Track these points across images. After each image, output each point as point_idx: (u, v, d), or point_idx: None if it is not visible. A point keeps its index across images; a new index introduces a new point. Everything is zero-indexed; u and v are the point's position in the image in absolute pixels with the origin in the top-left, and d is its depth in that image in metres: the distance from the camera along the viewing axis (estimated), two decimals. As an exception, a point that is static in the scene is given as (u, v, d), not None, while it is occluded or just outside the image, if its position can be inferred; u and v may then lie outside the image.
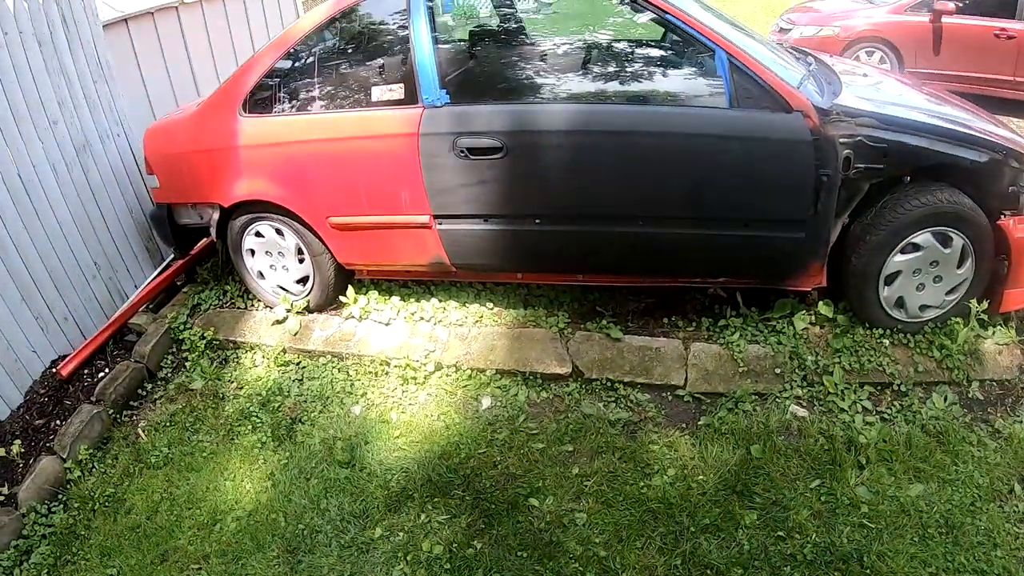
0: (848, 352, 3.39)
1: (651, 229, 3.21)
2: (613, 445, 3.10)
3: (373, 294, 3.73)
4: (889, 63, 8.12)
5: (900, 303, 3.43)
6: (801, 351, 3.37)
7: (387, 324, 3.56)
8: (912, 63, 8.09)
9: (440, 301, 3.71)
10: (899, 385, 3.32)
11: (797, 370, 3.34)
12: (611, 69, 3.25)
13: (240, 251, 3.71)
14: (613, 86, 3.24)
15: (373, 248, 3.46)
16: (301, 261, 3.61)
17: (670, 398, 3.30)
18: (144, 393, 3.71)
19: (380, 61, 3.33)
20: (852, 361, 3.36)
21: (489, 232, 3.28)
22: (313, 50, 3.43)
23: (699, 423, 3.17)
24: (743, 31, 3.71)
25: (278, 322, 3.66)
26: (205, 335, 3.75)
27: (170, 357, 3.84)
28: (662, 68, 3.27)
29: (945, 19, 7.89)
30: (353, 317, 3.62)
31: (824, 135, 3.04)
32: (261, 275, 3.75)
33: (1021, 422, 3.26)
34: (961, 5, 7.90)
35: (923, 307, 3.45)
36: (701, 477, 2.99)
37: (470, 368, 3.42)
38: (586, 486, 2.98)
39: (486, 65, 3.25)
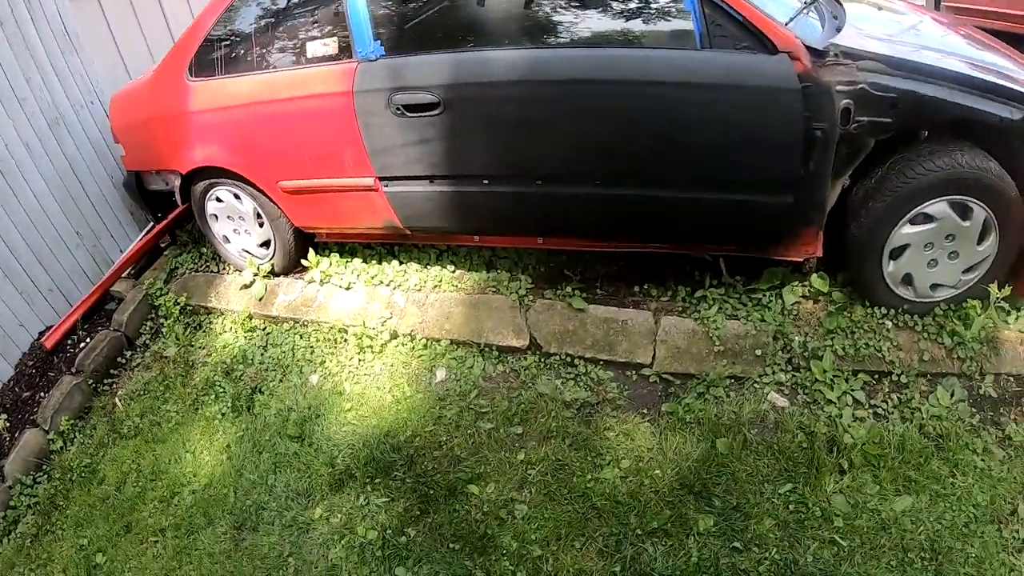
0: (843, 334, 2.68)
1: (611, 190, 2.56)
2: (565, 430, 2.57)
3: (335, 257, 3.25)
4: None
5: (907, 280, 2.68)
6: (787, 330, 2.69)
7: (347, 288, 3.09)
8: None
9: (401, 264, 3.19)
10: (899, 375, 2.62)
11: (781, 352, 2.67)
12: (560, 6, 2.55)
13: (204, 216, 3.30)
14: (562, 27, 2.53)
15: (325, 212, 2.97)
16: (261, 225, 3.17)
17: (635, 378, 2.71)
18: (124, 361, 3.39)
19: (316, 13, 2.75)
20: (846, 344, 2.65)
21: (436, 194, 2.71)
22: (252, 5, 2.88)
23: (662, 409, 2.59)
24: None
25: (245, 287, 3.25)
26: (179, 301, 3.38)
27: (148, 323, 3.50)
28: (624, 3, 2.53)
29: None
30: (315, 281, 3.16)
31: (817, 81, 2.30)
32: (226, 239, 3.33)
33: None
34: None
35: (935, 286, 2.69)
36: (657, 472, 2.43)
37: (425, 337, 2.91)
38: (531, 475, 2.48)
39: (425, 10, 2.62)
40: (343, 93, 2.59)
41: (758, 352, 2.66)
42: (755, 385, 2.61)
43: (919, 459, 2.40)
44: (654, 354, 2.70)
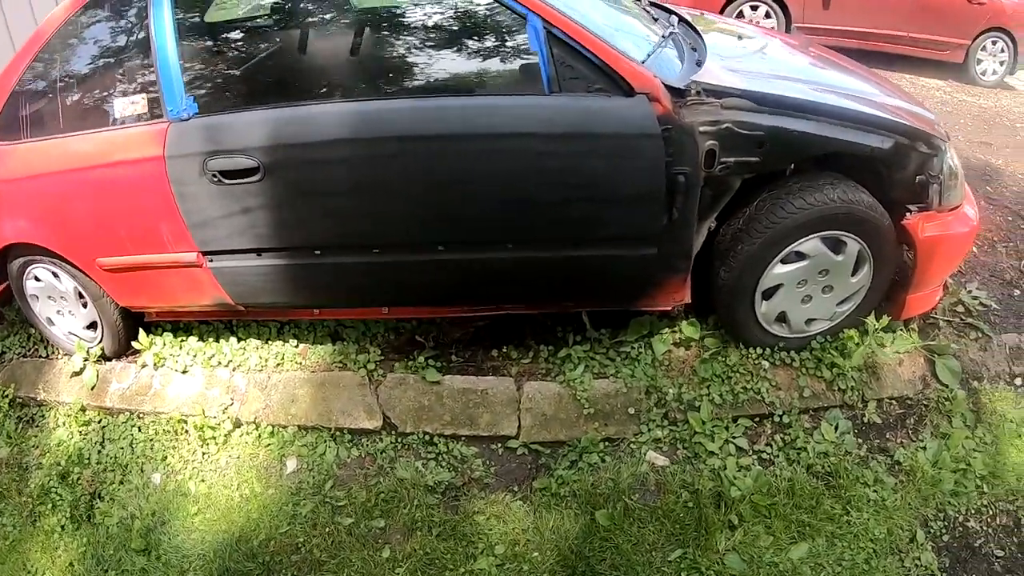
0: (719, 380, 2.55)
1: (457, 255, 2.33)
2: (431, 518, 2.39)
3: (168, 336, 2.95)
4: (775, 19, 6.90)
5: (782, 318, 2.57)
6: (660, 383, 2.55)
7: (184, 372, 2.79)
8: (800, 18, 6.92)
9: (240, 341, 2.87)
10: (781, 415, 2.52)
11: (655, 407, 2.50)
12: (392, 51, 2.32)
13: (24, 297, 2.96)
14: (394, 76, 2.28)
15: (149, 291, 2.65)
16: (85, 306, 2.85)
17: (501, 451, 2.53)
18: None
19: (125, 65, 2.45)
20: (723, 391, 2.52)
21: (266, 267, 2.42)
22: (60, 55, 2.54)
23: (533, 485, 2.47)
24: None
25: (76, 374, 2.95)
26: (7, 392, 2.99)
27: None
28: (463, 46, 2.32)
29: None
30: (148, 365, 2.91)
31: (678, 124, 2.13)
32: (51, 321, 2.99)
33: (924, 448, 2.50)
34: None
35: (809, 321, 2.60)
36: (536, 555, 2.24)
37: (271, 424, 2.61)
38: (398, 574, 2.33)
39: (243, 60, 2.36)
40: (154, 159, 2.29)
41: (631, 410, 2.48)
42: (631, 446, 2.44)
43: (811, 501, 2.32)
44: (519, 424, 2.48)
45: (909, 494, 2.38)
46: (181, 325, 2.94)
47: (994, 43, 7.27)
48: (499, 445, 2.51)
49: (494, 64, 2.22)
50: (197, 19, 2.30)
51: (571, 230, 2.28)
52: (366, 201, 2.24)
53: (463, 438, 2.52)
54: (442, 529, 2.33)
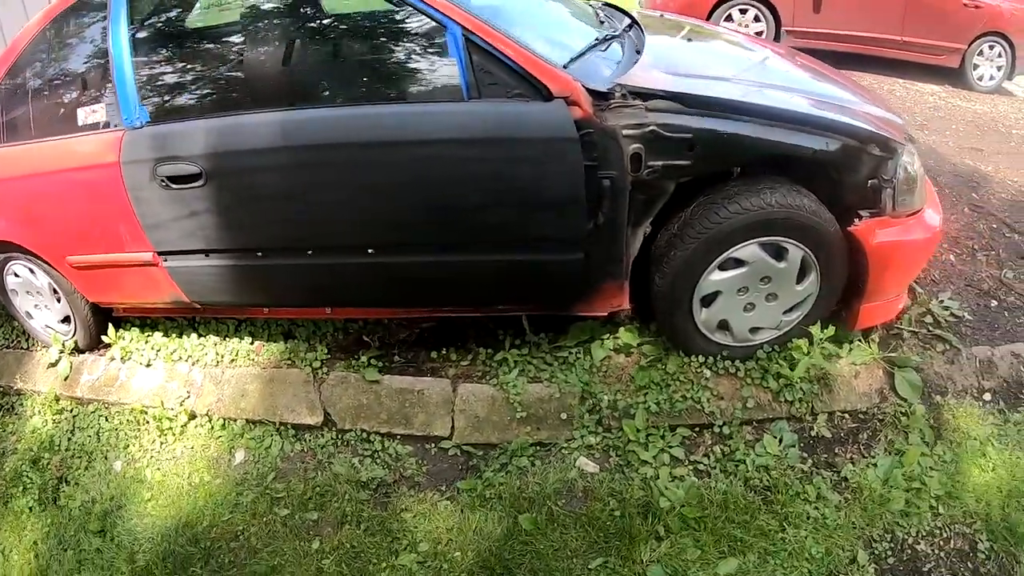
0: (657, 388, 2.55)
1: (387, 259, 2.41)
2: (360, 513, 2.47)
3: (136, 332, 3.11)
4: (764, 22, 6.78)
5: (724, 326, 2.54)
6: (595, 389, 2.57)
7: (148, 366, 2.95)
8: (790, 21, 6.78)
9: (200, 337, 3.01)
10: (721, 426, 2.50)
11: (589, 413, 2.53)
12: (320, 62, 2.43)
13: (5, 291, 3.17)
14: (322, 85, 2.38)
15: (113, 288, 2.82)
16: (59, 300, 3.05)
17: (434, 451, 2.60)
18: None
19: (87, 75, 2.62)
20: (661, 399, 2.52)
21: (214, 268, 2.54)
22: (33, 64, 2.75)
23: (458, 486, 2.54)
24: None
25: (52, 365, 3.15)
26: None
27: (-39, 407, 3.39)
28: (387, 54, 2.38)
29: None
30: (116, 359, 3.09)
31: (600, 127, 2.14)
32: (29, 315, 3.20)
33: (875, 464, 2.44)
34: None
35: (754, 329, 2.57)
36: (457, 555, 2.30)
37: (222, 417, 2.74)
38: (325, 565, 2.38)
39: (189, 71, 2.51)
40: (111, 164, 2.44)
41: (564, 415, 2.51)
42: (563, 451, 2.47)
43: (745, 516, 2.29)
44: (452, 425, 2.55)
45: (854, 512, 2.33)
46: (148, 321, 3.11)
47: (991, 48, 7.05)
48: (433, 445, 2.58)
49: (416, 72, 2.29)
50: (151, 34, 2.45)
51: (494, 234, 2.33)
52: (297, 206, 2.34)
53: (398, 437, 2.60)
54: (370, 524, 2.41)
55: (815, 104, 2.45)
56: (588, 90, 2.16)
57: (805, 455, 2.51)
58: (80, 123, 2.51)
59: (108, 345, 3.06)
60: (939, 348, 2.86)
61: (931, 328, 2.94)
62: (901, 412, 2.62)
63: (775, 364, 2.61)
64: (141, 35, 2.42)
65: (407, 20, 2.22)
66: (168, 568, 2.48)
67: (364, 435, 2.62)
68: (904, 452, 2.49)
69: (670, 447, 2.49)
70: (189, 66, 2.41)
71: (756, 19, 6.79)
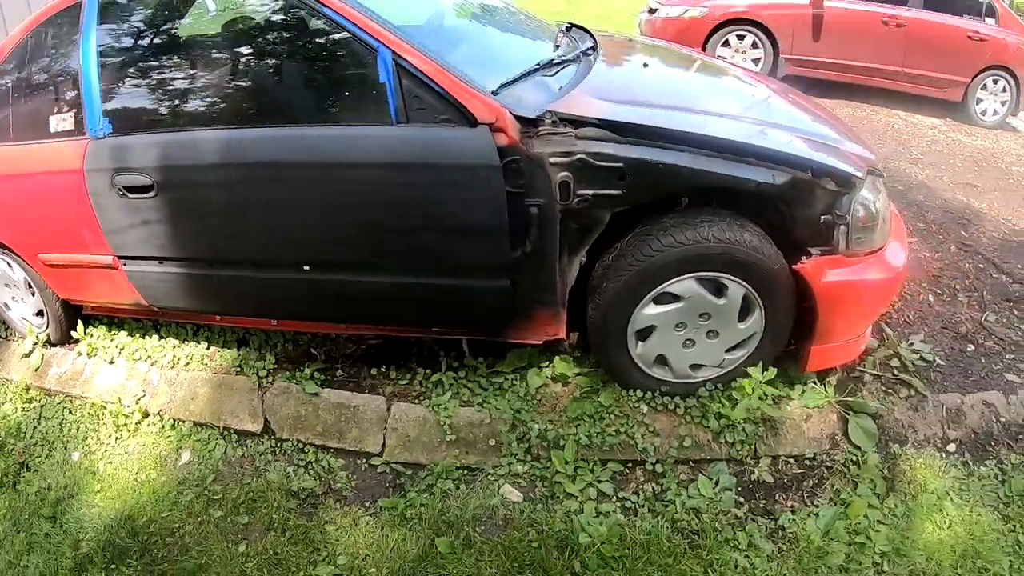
0: (589, 420, 2.54)
1: (320, 276, 2.48)
2: (287, 521, 2.55)
3: (103, 329, 3.27)
4: (762, 49, 6.70)
5: (663, 360, 2.52)
6: (526, 417, 2.59)
7: (111, 363, 3.10)
8: (788, 49, 6.71)
9: (162, 339, 3.14)
10: (655, 464, 2.48)
11: (518, 441, 2.54)
12: (261, 82, 2.48)
13: None
14: (261, 104, 2.46)
15: (80, 287, 2.97)
16: (33, 295, 3.23)
17: (365, 467, 2.66)
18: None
19: (61, 85, 2.78)
20: (593, 432, 2.51)
21: (168, 275, 2.66)
22: (15, 70, 2.89)
23: (380, 504, 2.59)
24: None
25: (26, 356, 3.33)
26: None
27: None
28: (322, 77, 2.42)
29: (828, 2, 6.49)
30: (83, 354, 3.26)
31: (526, 154, 2.16)
32: (7, 306, 3.38)
33: (816, 514, 2.38)
34: None
35: (696, 366, 2.54)
36: (372, 571, 2.33)
37: (172, 417, 2.85)
38: (247, 568, 2.47)
39: (149, 86, 2.63)
40: (76, 171, 2.58)
41: (492, 441, 2.54)
42: (488, 477, 2.49)
43: (667, 559, 2.26)
44: (384, 443, 2.60)
45: (787, 564, 2.27)
46: (115, 320, 3.26)
47: (995, 82, 6.93)
48: (364, 461, 2.65)
49: (351, 95, 2.34)
50: (117, 49, 2.58)
51: (420, 258, 2.37)
52: (238, 221, 2.44)
53: (332, 450, 2.68)
54: (294, 533, 2.48)
55: (772, 134, 2.38)
56: (517, 116, 2.17)
57: (741, 500, 2.46)
58: (52, 130, 2.66)
59: (77, 341, 3.21)
60: (903, 394, 2.78)
61: (896, 372, 2.86)
62: (852, 460, 2.56)
63: (717, 403, 2.57)
64: (107, 50, 2.55)
65: (344, 43, 2.26)
66: (107, 557, 2.59)
67: (300, 445, 2.70)
68: (850, 503, 2.43)
69: (599, 481, 2.48)
70: (148, 81, 2.53)
71: (754, 45, 6.73)
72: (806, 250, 2.34)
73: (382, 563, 2.38)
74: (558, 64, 2.57)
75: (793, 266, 2.33)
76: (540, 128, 2.18)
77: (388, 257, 2.40)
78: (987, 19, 7.08)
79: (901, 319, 3.25)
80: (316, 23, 2.30)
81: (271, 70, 2.41)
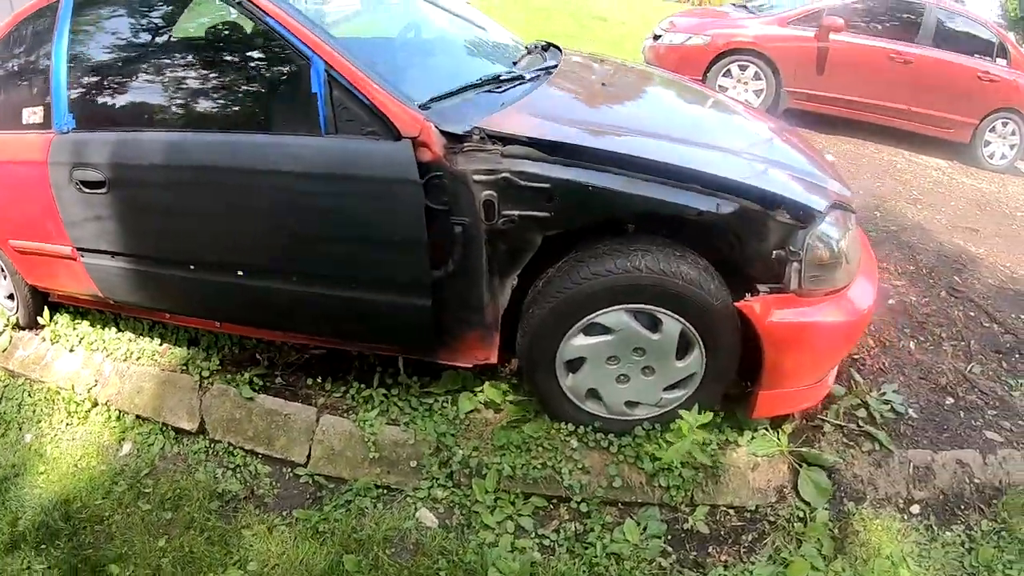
0: (516, 451, 2.49)
1: (254, 282, 2.51)
2: (206, 521, 2.57)
3: (67, 317, 3.39)
4: (765, 80, 6.54)
5: (595, 395, 2.46)
6: (450, 441, 2.59)
7: (71, 351, 3.20)
8: (791, 82, 6.54)
9: (120, 331, 3.23)
10: (580, 503, 2.41)
11: (440, 466, 2.51)
12: (202, 86, 2.52)
13: None
14: (202, 109, 2.50)
15: (46, 274, 3.09)
16: (5, 278, 3.38)
17: (289, 476, 2.66)
18: None
19: (34, 78, 2.89)
20: (518, 463, 2.46)
21: (119, 269, 2.74)
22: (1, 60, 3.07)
23: (295, 515, 2.61)
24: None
25: None
26: None
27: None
28: (260, 84, 2.45)
29: (833, 36, 6.30)
30: (47, 340, 3.38)
31: (450, 171, 2.13)
32: None
33: (751, 572, 2.27)
34: (852, 22, 6.38)
35: (631, 403, 2.46)
36: None
37: (118, 409, 2.93)
38: (163, 563, 2.51)
39: (110, 86, 2.72)
40: (41, 163, 2.69)
41: (414, 463, 2.52)
42: (407, 499, 2.47)
43: None
44: (309, 453, 2.61)
45: None
46: (80, 309, 3.38)
47: (1005, 124, 6.66)
48: (289, 469, 2.67)
49: (285, 103, 2.36)
50: (86, 48, 2.68)
51: (344, 271, 2.37)
52: (177, 222, 2.51)
53: (260, 456, 2.71)
54: (212, 534, 2.51)
55: (726, 160, 2.29)
56: (443, 131, 2.15)
57: (670, 549, 2.37)
58: (24, 121, 2.78)
59: (44, 326, 3.33)
60: (866, 447, 2.64)
61: (862, 424, 2.71)
62: (799, 516, 2.44)
63: (652, 444, 2.48)
64: (77, 48, 2.65)
65: (282, 52, 2.29)
66: (39, 537, 2.67)
67: (231, 448, 2.75)
68: (791, 563, 2.31)
69: (519, 515, 2.43)
70: (108, 81, 2.62)
71: (756, 77, 6.59)
72: (754, 287, 2.24)
73: (290, 573, 2.38)
74: (508, 80, 2.55)
75: (737, 303, 2.22)
76: (466, 144, 2.15)
77: (313, 267, 2.41)
78: (998, 60, 6.82)
79: (875, 366, 3.11)
80: (257, 30, 2.34)
81: (213, 75, 2.46)
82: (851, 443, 2.65)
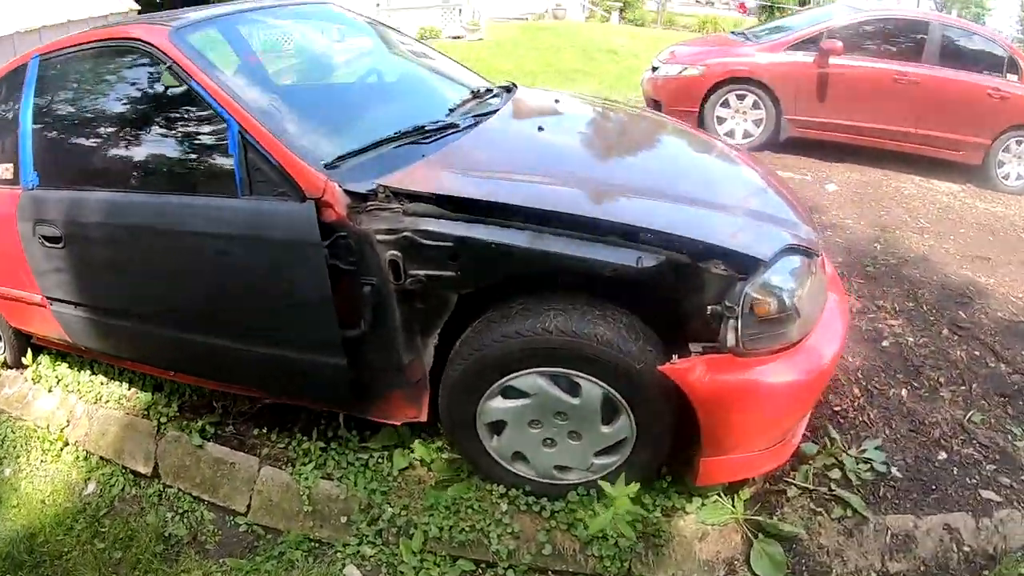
0: (445, 511, 2.49)
1: (189, 336, 2.63)
2: (150, 564, 2.72)
3: (48, 359, 3.60)
4: (764, 109, 6.29)
5: (523, 457, 2.42)
6: (380, 499, 2.65)
7: (50, 391, 3.41)
8: (792, 109, 6.28)
9: (94, 375, 3.40)
10: (507, 569, 2.37)
11: (370, 523, 2.53)
12: (140, 148, 2.65)
13: None
14: (138, 169, 2.63)
15: (25, 318, 3.31)
16: None
17: (230, 524, 2.77)
18: None
19: (7, 136, 3.03)
20: (446, 524, 2.45)
21: (80, 318, 2.90)
22: None
23: (227, 563, 2.72)
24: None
25: None
26: None
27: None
28: (188, 146, 2.54)
29: (833, 60, 6.03)
30: (29, 380, 3.61)
31: (354, 231, 2.13)
32: None
33: None
34: (854, 44, 6.15)
35: (562, 468, 2.40)
36: None
37: (86, 450, 3.10)
38: None
39: (68, 146, 2.84)
40: (11, 217, 2.88)
41: (344, 519, 2.55)
42: (337, 554, 2.50)
43: None
44: (250, 503, 2.69)
45: None
46: (62, 353, 3.59)
47: (1019, 143, 6.21)
48: (232, 518, 2.77)
49: (207, 165, 2.45)
50: (49, 109, 2.86)
51: (263, 329, 2.44)
52: (120, 277, 2.66)
53: (206, 502, 2.83)
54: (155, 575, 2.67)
55: (656, 206, 2.18)
56: (347, 191, 2.16)
57: None
58: (-1, 176, 2.99)
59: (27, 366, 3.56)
60: (835, 514, 2.45)
61: (834, 486, 2.52)
62: None
63: (587, 511, 2.41)
64: (40, 109, 2.83)
65: (206, 114, 2.38)
66: (4, 567, 2.84)
67: (180, 493, 2.87)
68: None
69: (444, 576, 2.38)
70: (66, 142, 2.79)
71: (755, 106, 6.36)
72: (686, 347, 2.10)
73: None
74: (437, 130, 2.53)
75: (661, 367, 2.06)
76: (369, 203, 2.14)
77: (236, 324, 2.49)
78: (1009, 75, 6.37)
79: (859, 419, 2.88)
80: (186, 94, 2.43)
81: (149, 138, 2.58)
82: (819, 509, 2.47)
